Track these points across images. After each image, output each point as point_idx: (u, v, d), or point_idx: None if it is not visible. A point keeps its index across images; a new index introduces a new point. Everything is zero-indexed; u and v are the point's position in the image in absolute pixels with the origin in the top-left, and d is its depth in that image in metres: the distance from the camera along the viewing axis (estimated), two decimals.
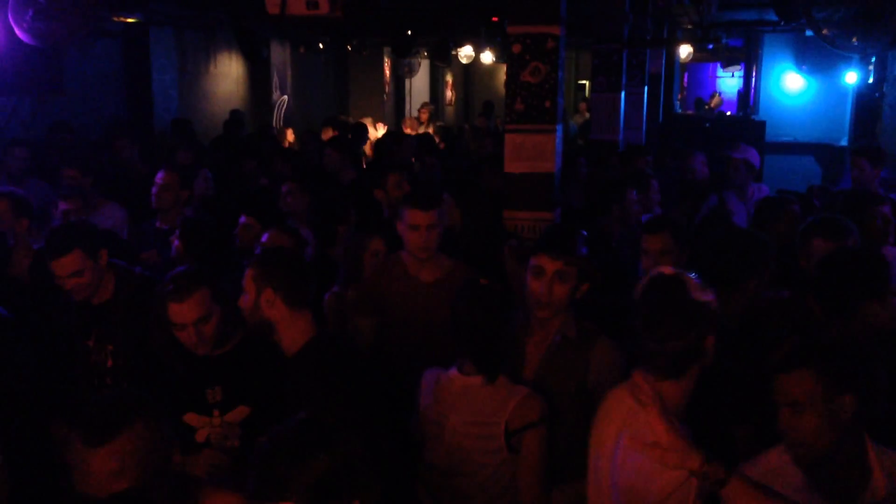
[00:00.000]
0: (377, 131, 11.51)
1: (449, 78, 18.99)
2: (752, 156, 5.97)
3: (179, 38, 10.24)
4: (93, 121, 8.70)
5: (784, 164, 11.77)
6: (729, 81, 18.49)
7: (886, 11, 6.51)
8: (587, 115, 15.18)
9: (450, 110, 19.23)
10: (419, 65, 16.34)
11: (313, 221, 4.89)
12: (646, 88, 10.13)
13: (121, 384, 3.46)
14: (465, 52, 13.97)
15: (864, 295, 2.92)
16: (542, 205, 4.96)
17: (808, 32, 9.32)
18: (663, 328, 2.21)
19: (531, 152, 4.91)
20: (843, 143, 12.50)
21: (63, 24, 5.82)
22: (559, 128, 4.97)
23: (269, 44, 12.04)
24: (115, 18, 8.21)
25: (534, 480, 2.68)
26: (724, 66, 17.29)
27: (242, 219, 4.49)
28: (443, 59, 14.40)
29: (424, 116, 13.32)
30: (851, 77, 11.83)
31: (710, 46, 12.08)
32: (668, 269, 2.34)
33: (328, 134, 9.93)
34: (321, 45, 13.12)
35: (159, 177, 5.03)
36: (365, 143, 10.08)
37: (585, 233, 3.05)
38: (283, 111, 12.81)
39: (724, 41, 12.29)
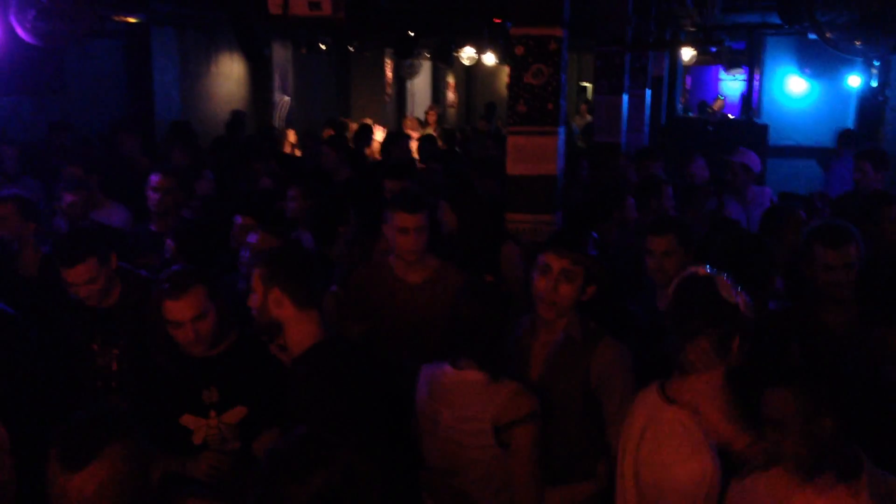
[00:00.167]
0: (375, 134, 11.49)
1: (451, 79, 18.98)
2: (751, 159, 5.97)
3: (181, 39, 10.23)
4: (94, 120, 8.68)
5: (787, 168, 11.74)
6: (732, 84, 18.49)
7: (890, 15, 6.50)
8: (588, 116, 15.16)
9: (452, 112, 19.22)
10: (421, 66, 16.33)
11: (311, 222, 4.87)
12: (648, 91, 10.12)
13: (126, 388, 3.46)
14: (468, 54, 13.96)
15: None
16: (544, 207, 4.94)
17: (812, 36, 9.30)
18: (689, 324, 2.29)
19: (533, 154, 4.90)
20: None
21: (65, 23, 5.83)
22: (562, 130, 4.96)
23: (271, 44, 12.03)
24: (117, 18, 8.21)
25: (527, 477, 2.67)
26: (727, 68, 17.26)
27: (238, 219, 4.47)
28: (445, 60, 14.39)
29: (432, 118, 13.29)
30: (854, 81, 11.80)
31: (713, 49, 12.09)
32: (701, 269, 2.40)
33: (329, 134, 9.93)
34: (323, 46, 13.10)
35: (155, 180, 4.99)
36: (369, 143, 10.06)
37: (596, 235, 3.06)
38: (284, 112, 12.80)
39: (726, 44, 12.30)
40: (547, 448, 2.78)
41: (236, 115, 10.37)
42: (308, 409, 2.59)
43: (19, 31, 5.76)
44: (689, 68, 17.28)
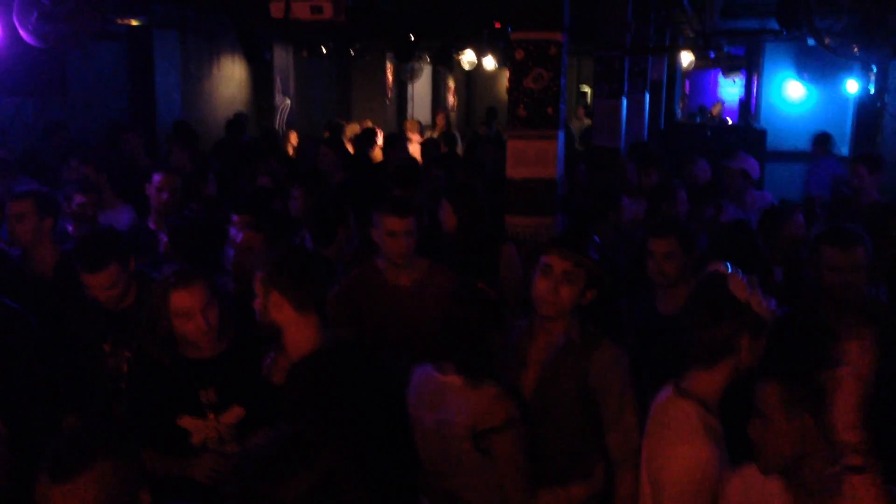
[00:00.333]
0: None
1: (451, 83, 19.01)
2: (750, 165, 6.01)
3: (183, 41, 10.26)
4: (96, 123, 8.71)
5: (785, 173, 11.76)
6: (730, 89, 18.54)
7: (888, 21, 6.54)
8: (585, 120, 15.20)
9: (452, 115, 19.24)
10: (421, 70, 16.36)
11: (310, 222, 4.88)
12: (647, 95, 10.16)
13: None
14: (468, 58, 13.99)
15: None
16: (544, 210, 4.97)
17: (810, 41, 9.34)
18: (696, 317, 2.36)
19: (534, 158, 4.93)
20: (844, 152, 12.50)
21: (67, 25, 5.83)
22: (561, 133, 4.99)
23: (272, 47, 12.06)
24: (119, 21, 8.23)
25: (514, 482, 2.68)
26: (726, 73, 17.34)
27: (235, 217, 4.46)
28: (445, 64, 14.41)
29: (441, 122, 13.29)
30: (852, 86, 11.83)
31: (712, 54, 12.10)
32: (720, 267, 2.44)
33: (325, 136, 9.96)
34: (324, 50, 13.14)
35: (158, 179, 5.02)
36: (372, 146, 10.09)
37: (598, 239, 3.06)
38: (285, 115, 12.83)
39: (725, 49, 12.31)
40: (543, 450, 2.79)
41: (238, 118, 10.40)
42: (299, 419, 2.58)
43: (21, 33, 5.78)
44: (687, 73, 17.33)
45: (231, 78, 11.80)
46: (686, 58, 12.36)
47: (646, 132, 10.18)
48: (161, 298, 2.91)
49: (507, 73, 6.48)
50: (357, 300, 3.79)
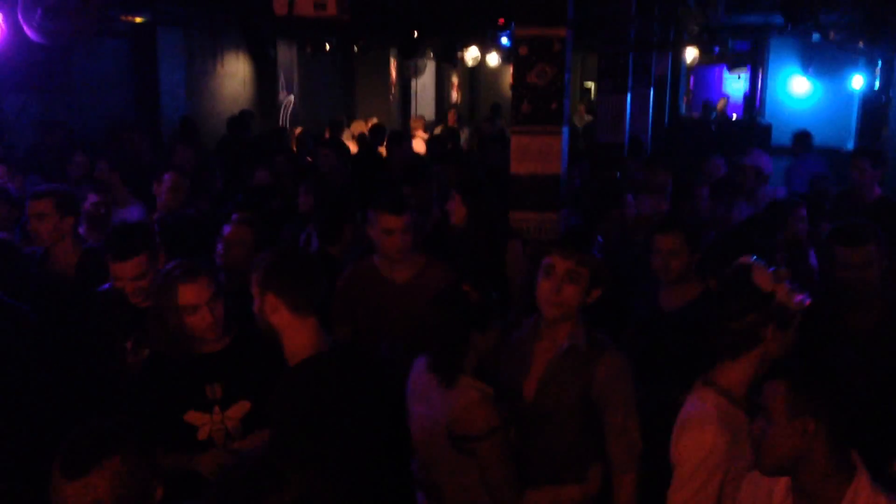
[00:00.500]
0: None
1: (455, 79, 19.01)
2: (763, 161, 6.01)
3: (187, 39, 10.27)
4: (100, 120, 8.73)
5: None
6: (735, 85, 18.49)
7: (893, 16, 6.51)
8: (586, 117, 15.18)
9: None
10: (425, 66, 16.36)
11: (316, 219, 4.89)
12: (652, 91, 10.14)
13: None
14: (472, 54, 13.98)
15: None
16: (549, 205, 4.97)
17: (815, 36, 9.33)
18: (721, 308, 2.41)
19: (538, 154, 4.93)
20: (850, 146, 12.48)
21: (72, 23, 5.84)
22: (565, 129, 4.99)
23: (276, 44, 12.07)
24: (124, 18, 8.26)
25: (501, 480, 2.67)
26: (730, 69, 17.28)
27: (235, 216, 4.47)
28: (449, 60, 14.41)
29: (452, 119, 13.29)
30: (858, 81, 11.80)
31: (717, 49, 12.08)
32: (746, 260, 2.48)
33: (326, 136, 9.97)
34: (328, 46, 13.14)
35: (168, 179, 5.04)
36: (382, 142, 10.10)
37: (601, 239, 3.05)
38: (289, 111, 12.84)
39: (730, 44, 12.29)
40: (537, 450, 2.80)
41: (243, 115, 10.42)
42: (285, 430, 2.57)
43: (26, 30, 5.79)
44: (692, 68, 17.29)
45: (235, 75, 11.82)
46: (690, 53, 12.31)
47: (650, 128, 10.16)
48: (167, 292, 2.91)
49: (510, 70, 6.47)
50: (353, 297, 3.78)
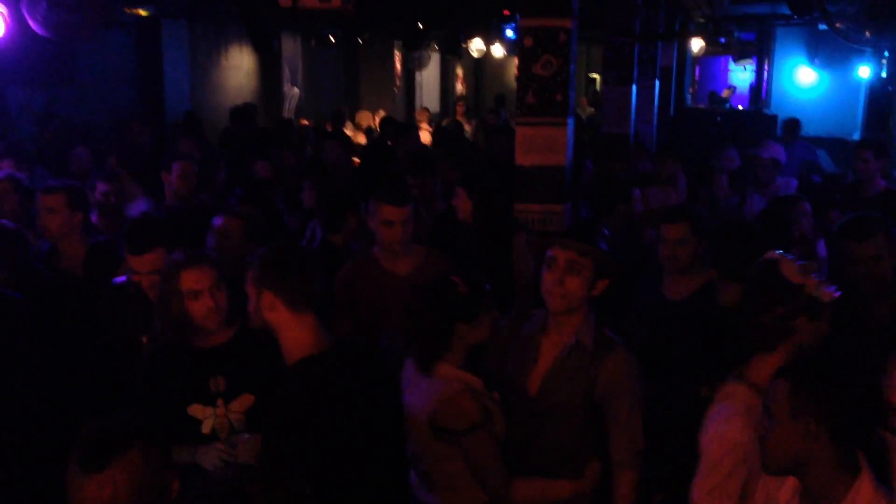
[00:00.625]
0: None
1: (459, 71, 18.97)
2: (779, 153, 6.00)
3: (191, 31, 10.27)
4: (104, 113, 8.74)
5: None
6: (741, 75, 18.40)
7: None
8: (588, 109, 15.15)
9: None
10: (430, 58, 16.33)
11: (319, 207, 4.87)
12: (657, 82, 10.10)
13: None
14: (477, 46, 13.95)
15: None
16: (554, 197, 4.97)
17: (821, 26, 9.28)
18: (752, 302, 2.44)
19: (543, 145, 4.92)
20: (856, 137, 12.44)
21: (77, 16, 5.85)
22: (570, 120, 4.97)
23: (280, 37, 12.06)
24: (128, 11, 8.25)
25: (490, 473, 2.67)
26: (736, 59, 17.20)
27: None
28: (454, 52, 14.37)
29: (461, 111, 13.29)
30: (864, 71, 11.75)
31: (723, 40, 12.04)
32: (773, 254, 2.50)
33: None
34: (332, 38, 13.13)
35: (176, 168, 5.04)
36: (392, 136, 10.10)
37: (607, 232, 3.04)
38: (294, 104, 12.84)
39: (736, 35, 12.24)
40: (535, 444, 2.79)
41: (247, 107, 10.42)
42: (282, 431, 2.54)
43: (31, 23, 5.81)
44: (698, 59, 17.22)
45: (239, 67, 11.82)
46: (696, 44, 12.27)
47: (655, 119, 10.13)
48: (171, 279, 2.90)
49: (515, 61, 6.45)
50: (354, 289, 3.77)
